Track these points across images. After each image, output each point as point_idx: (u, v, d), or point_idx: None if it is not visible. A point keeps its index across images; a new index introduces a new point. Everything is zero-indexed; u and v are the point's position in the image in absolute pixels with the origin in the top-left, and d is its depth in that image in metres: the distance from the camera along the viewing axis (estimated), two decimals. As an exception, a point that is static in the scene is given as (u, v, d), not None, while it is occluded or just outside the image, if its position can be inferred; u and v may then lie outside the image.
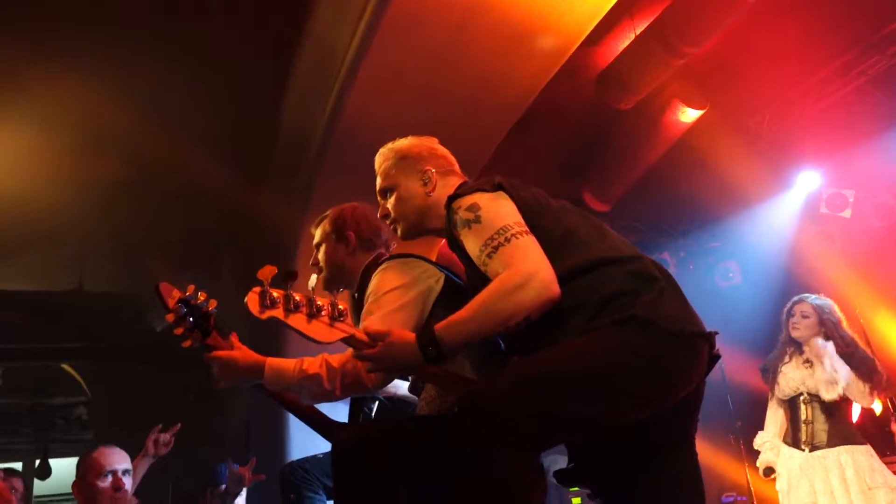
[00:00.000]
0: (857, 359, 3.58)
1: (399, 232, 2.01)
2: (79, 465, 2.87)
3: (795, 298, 3.90)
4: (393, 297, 1.97)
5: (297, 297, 1.53)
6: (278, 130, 4.51)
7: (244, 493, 3.59)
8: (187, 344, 1.83)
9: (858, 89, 5.40)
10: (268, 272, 1.52)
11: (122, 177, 4.58)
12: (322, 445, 3.60)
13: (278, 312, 1.50)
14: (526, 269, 1.60)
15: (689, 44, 4.50)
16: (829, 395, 3.51)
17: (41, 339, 6.56)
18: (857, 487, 3.34)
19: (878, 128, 5.59)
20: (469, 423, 1.48)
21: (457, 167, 2.04)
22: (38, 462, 7.83)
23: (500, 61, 3.79)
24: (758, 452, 3.86)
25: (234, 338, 1.94)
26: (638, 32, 4.86)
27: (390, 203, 1.98)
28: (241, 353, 1.90)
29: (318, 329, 1.54)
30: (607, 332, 1.59)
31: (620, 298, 1.62)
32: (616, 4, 3.78)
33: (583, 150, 5.80)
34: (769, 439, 3.81)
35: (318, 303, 1.55)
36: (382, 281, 2.04)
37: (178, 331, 1.83)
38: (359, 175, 3.82)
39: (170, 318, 1.81)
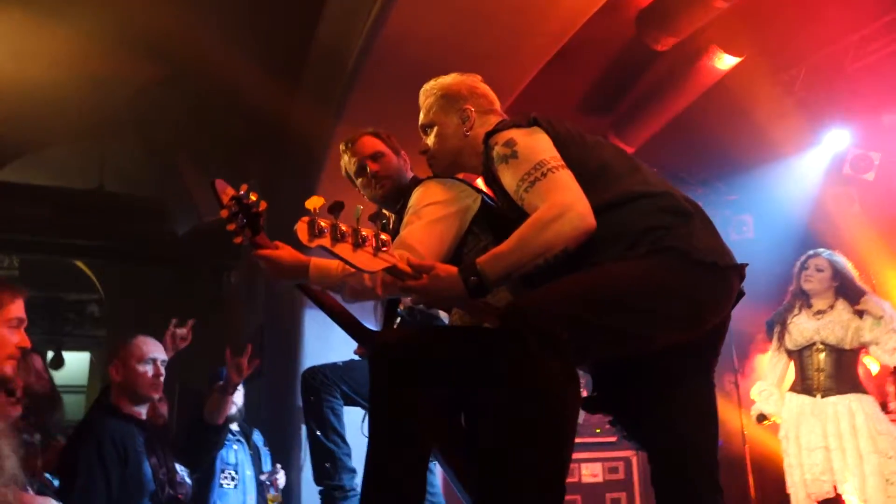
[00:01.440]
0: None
1: (435, 168, 2.08)
2: (118, 349, 2.97)
3: (810, 252, 3.96)
4: (433, 210, 2.02)
5: (344, 228, 1.57)
6: (315, 38, 4.44)
7: (241, 389, 3.69)
8: (238, 240, 1.88)
9: (897, 52, 5.30)
10: (315, 201, 1.55)
11: (151, 75, 4.55)
12: (335, 354, 3.73)
13: (325, 241, 1.54)
14: (562, 202, 1.65)
15: (736, -14, 4.39)
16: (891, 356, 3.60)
17: (58, 234, 6.64)
18: (866, 433, 3.49)
19: (913, 92, 5.51)
20: (512, 331, 1.55)
21: (497, 106, 2.07)
22: (51, 354, 8.06)
23: (537, 12, 3.73)
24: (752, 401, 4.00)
25: (277, 243, 2.00)
26: (684, -29, 4.73)
27: (430, 139, 2.05)
28: (286, 252, 1.96)
29: (363, 258, 1.59)
30: (646, 258, 1.65)
31: (656, 231, 1.68)
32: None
33: (614, 88, 5.73)
34: (767, 388, 3.93)
35: (363, 233, 1.59)
36: (424, 195, 2.09)
37: (231, 227, 1.88)
38: (396, 91, 3.82)
39: (224, 213, 1.86)
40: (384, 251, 1.62)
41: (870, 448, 3.45)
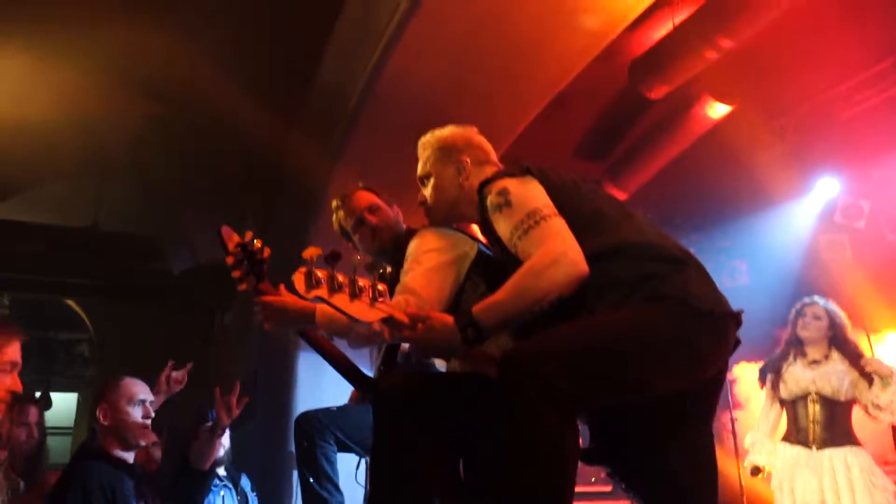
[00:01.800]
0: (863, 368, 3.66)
1: (432, 218, 2.11)
2: (104, 391, 2.90)
3: (806, 300, 3.95)
4: (432, 257, 2.05)
5: (340, 278, 1.58)
6: (315, 80, 4.49)
7: (227, 432, 3.62)
8: (243, 287, 1.89)
9: (888, 101, 5.40)
10: (312, 252, 1.57)
11: (149, 113, 4.58)
12: (329, 399, 3.69)
13: (322, 292, 1.55)
14: (555, 249, 1.67)
15: (726, 37, 4.50)
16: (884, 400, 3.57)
17: (51, 272, 6.60)
18: (862, 486, 3.45)
19: (902, 142, 5.60)
20: (511, 379, 1.53)
21: (493, 157, 2.12)
22: (39, 394, 7.92)
23: (543, 35, 3.79)
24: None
25: (282, 288, 2.00)
26: (677, 22, 4.85)
27: (427, 190, 2.09)
28: (291, 298, 1.96)
29: (360, 309, 1.60)
30: (643, 307, 1.65)
31: (651, 279, 1.68)
32: (657, -7, 3.78)
33: (608, 134, 5.81)
34: (760, 439, 3.88)
35: (360, 284, 1.61)
36: (422, 242, 2.12)
37: (236, 274, 1.89)
38: (394, 133, 3.86)
39: (229, 260, 1.88)
40: (381, 301, 1.63)
41: (866, 502, 3.40)
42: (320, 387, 4.53)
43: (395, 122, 3.87)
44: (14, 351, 1.99)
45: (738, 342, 1.81)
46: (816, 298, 3.95)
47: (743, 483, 4.21)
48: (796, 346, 3.83)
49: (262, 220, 5.24)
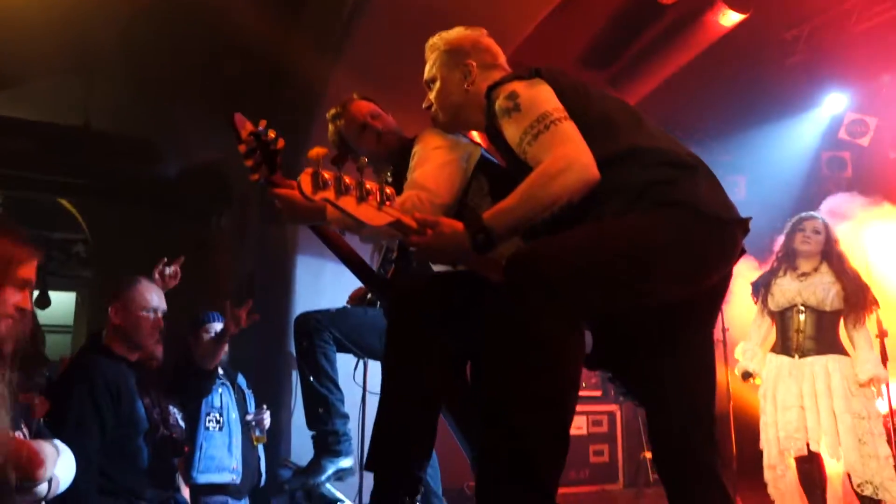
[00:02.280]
0: (852, 282, 3.72)
1: (438, 122, 2.05)
2: (120, 291, 2.90)
3: (804, 214, 3.97)
4: (440, 153, 2.04)
5: (348, 180, 1.55)
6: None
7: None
8: (255, 177, 1.86)
9: (904, 14, 5.24)
10: (318, 152, 1.52)
11: (141, 8, 4.37)
12: (326, 301, 3.72)
13: (329, 194, 1.52)
14: (567, 154, 1.63)
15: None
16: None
17: (43, 171, 6.49)
18: (841, 393, 3.55)
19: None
20: (516, 281, 1.53)
21: (501, 60, 2.05)
22: (36, 293, 7.98)
23: None
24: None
25: (294, 183, 1.97)
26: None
27: (432, 94, 2.03)
28: None
29: (367, 212, 1.57)
30: (651, 212, 1.64)
31: (660, 184, 1.66)
32: None
33: (615, 42, 5.62)
34: (751, 347, 3.99)
35: (368, 186, 1.58)
36: (428, 142, 2.11)
37: (249, 163, 1.85)
38: (395, 33, 3.73)
39: (242, 148, 1.84)
40: (388, 205, 1.61)
41: (844, 408, 3.51)
42: (318, 289, 4.56)
43: (397, 22, 3.72)
44: (30, 270, 1.94)
45: (743, 250, 1.80)
46: (814, 213, 3.97)
47: (731, 389, 4.34)
48: (788, 260, 3.88)
49: (260, 118, 5.12)
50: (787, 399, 3.66)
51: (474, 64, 1.98)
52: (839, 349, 3.69)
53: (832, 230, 3.88)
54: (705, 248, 1.67)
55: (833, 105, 6.00)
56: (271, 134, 1.85)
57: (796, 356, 3.71)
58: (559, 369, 1.51)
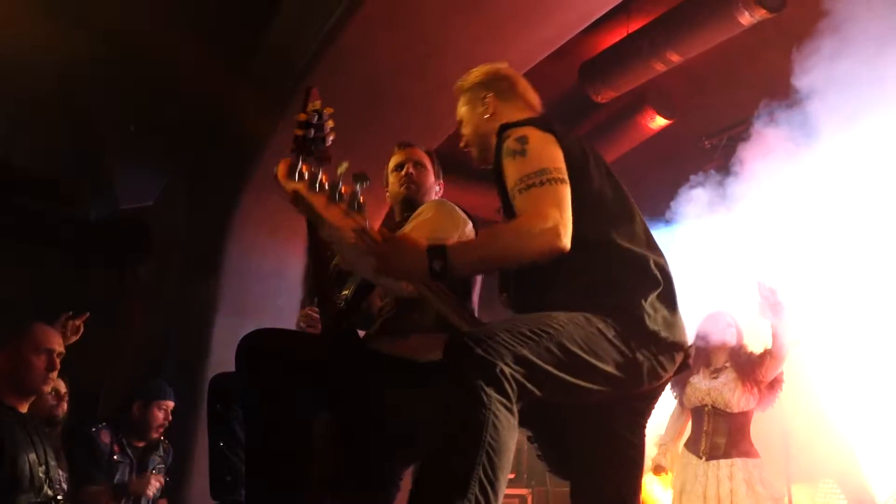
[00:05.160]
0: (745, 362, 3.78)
1: (473, 157, 2.07)
2: (10, 335, 2.73)
3: (713, 312, 4.03)
4: (438, 219, 2.16)
5: (323, 179, 1.57)
6: (267, 32, 4.32)
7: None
8: (289, 158, 1.78)
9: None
10: (305, 116, 1.60)
11: (82, 48, 4.28)
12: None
13: (301, 187, 1.55)
14: (548, 215, 1.62)
15: (676, 52, 4.63)
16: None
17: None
18: (743, 496, 3.56)
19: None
20: (455, 358, 1.50)
21: (520, 87, 2.07)
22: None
23: (505, 31, 3.86)
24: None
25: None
26: (630, 31, 4.96)
27: (462, 131, 2.08)
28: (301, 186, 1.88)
29: (334, 214, 1.60)
30: (600, 315, 1.65)
31: (618, 289, 1.69)
32: (615, -1, 3.87)
33: (551, 133, 5.85)
34: (665, 442, 4.02)
35: (342, 190, 1.61)
36: (437, 207, 2.24)
37: (299, 132, 1.85)
38: (341, 102, 3.75)
39: (301, 117, 1.83)
40: (357, 212, 1.63)
41: None
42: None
43: (343, 92, 3.78)
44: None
45: (687, 366, 1.83)
46: (721, 311, 4.02)
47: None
48: (701, 357, 3.92)
49: (195, 173, 5.02)
50: (691, 501, 3.69)
51: (492, 95, 2.01)
52: (744, 451, 3.69)
53: (739, 326, 3.98)
54: (641, 362, 1.68)
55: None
56: (331, 122, 1.85)
57: (703, 458, 3.73)
58: (491, 448, 1.44)
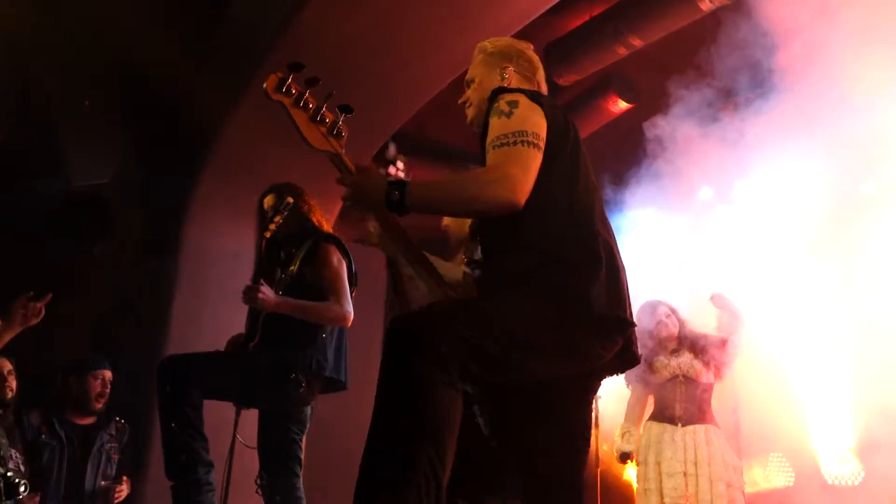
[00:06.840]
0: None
1: (469, 118, 2.08)
2: None
3: (650, 302, 4.13)
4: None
5: (310, 100, 1.65)
6: (227, 15, 4.23)
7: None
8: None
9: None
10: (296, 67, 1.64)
11: (32, 19, 4.15)
12: (204, 342, 3.56)
13: (287, 101, 1.61)
14: (508, 172, 1.67)
15: (637, 37, 4.68)
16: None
17: None
18: (719, 461, 3.81)
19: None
20: (396, 344, 1.54)
21: (539, 75, 2.09)
22: None
23: (470, 7, 3.84)
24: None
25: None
26: (594, 14, 4.98)
27: (469, 90, 2.08)
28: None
29: (314, 134, 1.67)
30: (541, 299, 1.68)
31: (564, 264, 1.71)
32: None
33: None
34: (628, 429, 4.13)
35: (326, 114, 1.68)
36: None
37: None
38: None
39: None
40: (337, 139, 1.72)
41: (719, 475, 3.77)
42: (198, 329, 4.38)
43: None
44: None
45: (635, 358, 1.86)
46: (656, 300, 4.16)
47: (600, 454, 4.43)
48: (658, 344, 4.07)
49: (144, 154, 4.91)
50: (672, 466, 3.84)
51: (513, 69, 2.02)
52: (711, 419, 3.94)
53: (679, 312, 4.13)
54: (580, 341, 1.72)
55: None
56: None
57: (679, 424, 3.91)
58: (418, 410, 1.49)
